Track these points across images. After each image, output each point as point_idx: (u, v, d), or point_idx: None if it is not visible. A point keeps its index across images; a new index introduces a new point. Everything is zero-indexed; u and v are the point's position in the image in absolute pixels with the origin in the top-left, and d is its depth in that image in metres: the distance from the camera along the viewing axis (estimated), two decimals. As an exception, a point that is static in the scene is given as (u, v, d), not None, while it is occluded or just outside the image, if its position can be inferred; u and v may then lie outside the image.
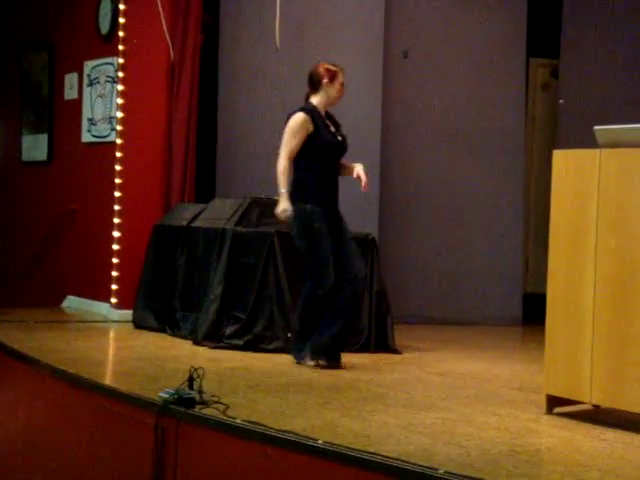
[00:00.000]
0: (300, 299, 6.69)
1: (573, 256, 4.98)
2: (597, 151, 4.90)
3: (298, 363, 6.56)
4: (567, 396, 5.05)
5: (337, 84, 6.58)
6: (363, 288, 6.88)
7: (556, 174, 5.11)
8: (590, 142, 4.97)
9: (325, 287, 6.46)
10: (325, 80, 6.57)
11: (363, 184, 6.56)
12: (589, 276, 4.87)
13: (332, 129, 6.61)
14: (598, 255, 4.84)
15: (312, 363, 6.51)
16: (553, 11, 9.74)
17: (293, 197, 6.50)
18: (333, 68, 6.60)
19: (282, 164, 6.46)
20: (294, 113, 6.56)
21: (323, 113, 6.61)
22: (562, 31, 9.71)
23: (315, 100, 6.61)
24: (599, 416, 5.03)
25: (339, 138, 6.62)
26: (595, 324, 4.84)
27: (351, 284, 6.52)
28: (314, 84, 6.62)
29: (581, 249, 4.93)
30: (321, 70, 6.59)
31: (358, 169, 6.61)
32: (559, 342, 5.04)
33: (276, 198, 8.02)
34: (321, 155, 6.52)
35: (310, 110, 6.56)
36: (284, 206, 6.46)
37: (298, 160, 6.53)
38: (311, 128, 6.49)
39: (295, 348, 6.66)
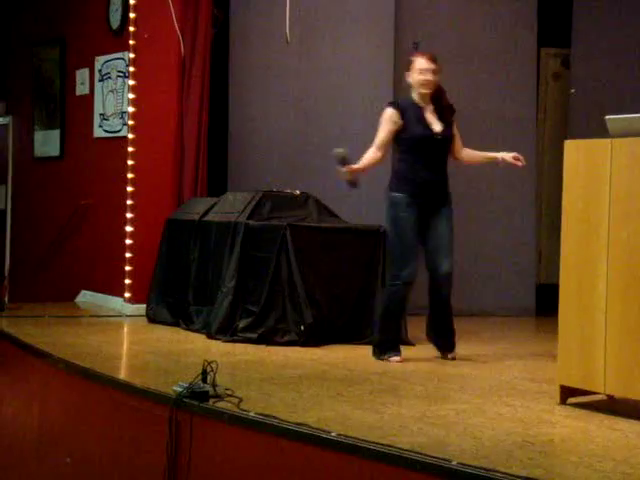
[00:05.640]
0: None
1: (585, 246, 4.97)
2: (608, 141, 4.88)
3: (380, 359, 6.52)
4: (580, 386, 5.04)
5: (414, 72, 6.49)
6: (448, 284, 6.56)
7: (567, 164, 5.10)
8: (602, 132, 4.96)
9: (402, 279, 6.41)
10: (406, 72, 6.56)
11: (519, 163, 6.48)
12: (602, 266, 4.86)
13: (428, 120, 6.46)
14: (610, 245, 4.83)
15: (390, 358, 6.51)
16: (563, 0, 9.70)
17: (389, 186, 6.51)
18: (411, 57, 6.54)
19: (370, 149, 6.48)
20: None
21: (422, 102, 6.50)
22: (573, 20, 9.67)
23: (412, 91, 6.56)
24: (613, 406, 5.02)
25: (435, 130, 6.46)
26: (608, 314, 4.83)
27: (433, 279, 6.52)
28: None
29: (593, 239, 4.92)
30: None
31: (502, 155, 6.53)
32: (572, 332, 5.03)
33: (289, 191, 8.07)
34: (410, 148, 6.44)
35: (398, 104, 6.54)
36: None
37: (397, 152, 6.59)
38: (400, 122, 6.43)
39: (375, 343, 6.65)
